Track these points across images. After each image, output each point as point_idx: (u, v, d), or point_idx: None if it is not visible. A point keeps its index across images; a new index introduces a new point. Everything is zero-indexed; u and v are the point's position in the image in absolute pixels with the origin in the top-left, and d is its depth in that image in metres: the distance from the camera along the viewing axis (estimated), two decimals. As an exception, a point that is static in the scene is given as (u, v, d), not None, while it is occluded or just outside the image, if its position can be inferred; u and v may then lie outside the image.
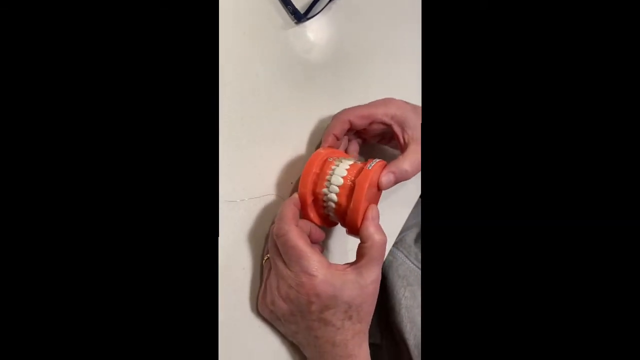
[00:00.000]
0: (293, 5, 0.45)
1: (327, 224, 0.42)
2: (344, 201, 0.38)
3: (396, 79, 0.52)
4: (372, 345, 0.52)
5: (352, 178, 0.38)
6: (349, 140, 0.46)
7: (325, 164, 0.40)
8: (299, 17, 0.46)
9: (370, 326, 0.52)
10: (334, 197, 0.38)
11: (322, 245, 0.44)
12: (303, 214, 0.41)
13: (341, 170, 0.39)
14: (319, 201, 0.40)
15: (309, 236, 0.39)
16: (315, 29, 0.48)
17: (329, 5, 0.48)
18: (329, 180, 0.39)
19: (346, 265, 0.37)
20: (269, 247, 0.39)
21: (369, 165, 0.39)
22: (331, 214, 0.40)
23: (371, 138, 0.46)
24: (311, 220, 0.41)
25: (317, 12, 0.47)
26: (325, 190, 0.39)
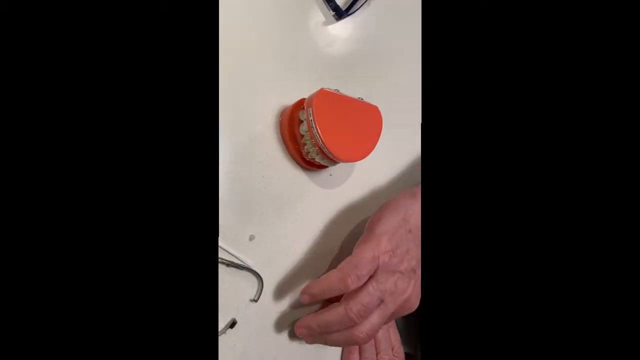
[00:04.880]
0: (335, 2, 0.43)
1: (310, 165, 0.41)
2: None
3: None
4: (407, 355, 0.51)
5: None
6: None
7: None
8: (340, 13, 0.44)
9: (408, 336, 0.51)
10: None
11: None
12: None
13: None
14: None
15: None
16: (354, 25, 0.47)
17: (367, 2, 0.46)
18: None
19: None
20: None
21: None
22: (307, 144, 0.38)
23: None
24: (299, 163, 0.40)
25: (357, 8, 0.45)
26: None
